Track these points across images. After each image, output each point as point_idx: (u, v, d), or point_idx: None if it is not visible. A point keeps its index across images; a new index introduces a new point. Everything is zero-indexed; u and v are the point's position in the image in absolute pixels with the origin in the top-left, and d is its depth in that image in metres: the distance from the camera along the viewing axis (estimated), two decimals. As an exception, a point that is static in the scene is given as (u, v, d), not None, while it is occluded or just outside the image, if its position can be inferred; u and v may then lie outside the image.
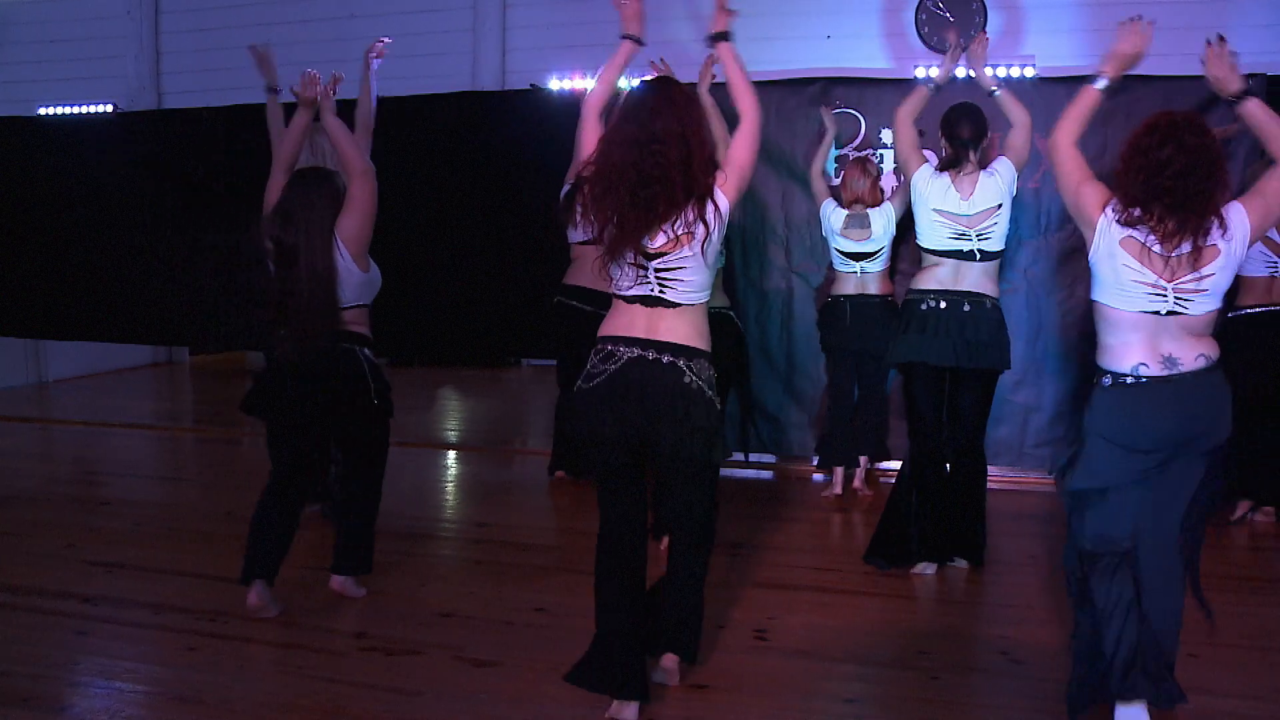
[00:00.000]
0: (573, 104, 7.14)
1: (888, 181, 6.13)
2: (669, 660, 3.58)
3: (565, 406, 6.26)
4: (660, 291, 3.24)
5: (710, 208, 3.19)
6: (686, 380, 3.23)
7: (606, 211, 3.18)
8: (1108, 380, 3.21)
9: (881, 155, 6.33)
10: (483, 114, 7.38)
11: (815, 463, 6.45)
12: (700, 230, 3.17)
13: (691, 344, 3.27)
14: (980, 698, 3.55)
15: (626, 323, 3.28)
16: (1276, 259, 5.29)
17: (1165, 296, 3.09)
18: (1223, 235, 3.06)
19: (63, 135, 8.31)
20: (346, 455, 4.43)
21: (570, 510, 5.94)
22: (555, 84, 7.52)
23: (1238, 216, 3.09)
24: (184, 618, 4.16)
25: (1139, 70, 6.11)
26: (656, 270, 3.22)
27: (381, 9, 10.13)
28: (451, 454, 7.19)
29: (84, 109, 8.80)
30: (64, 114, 8.70)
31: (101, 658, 3.82)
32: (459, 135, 7.25)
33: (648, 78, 3.46)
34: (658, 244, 3.20)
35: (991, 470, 6.48)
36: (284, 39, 10.30)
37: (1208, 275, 3.07)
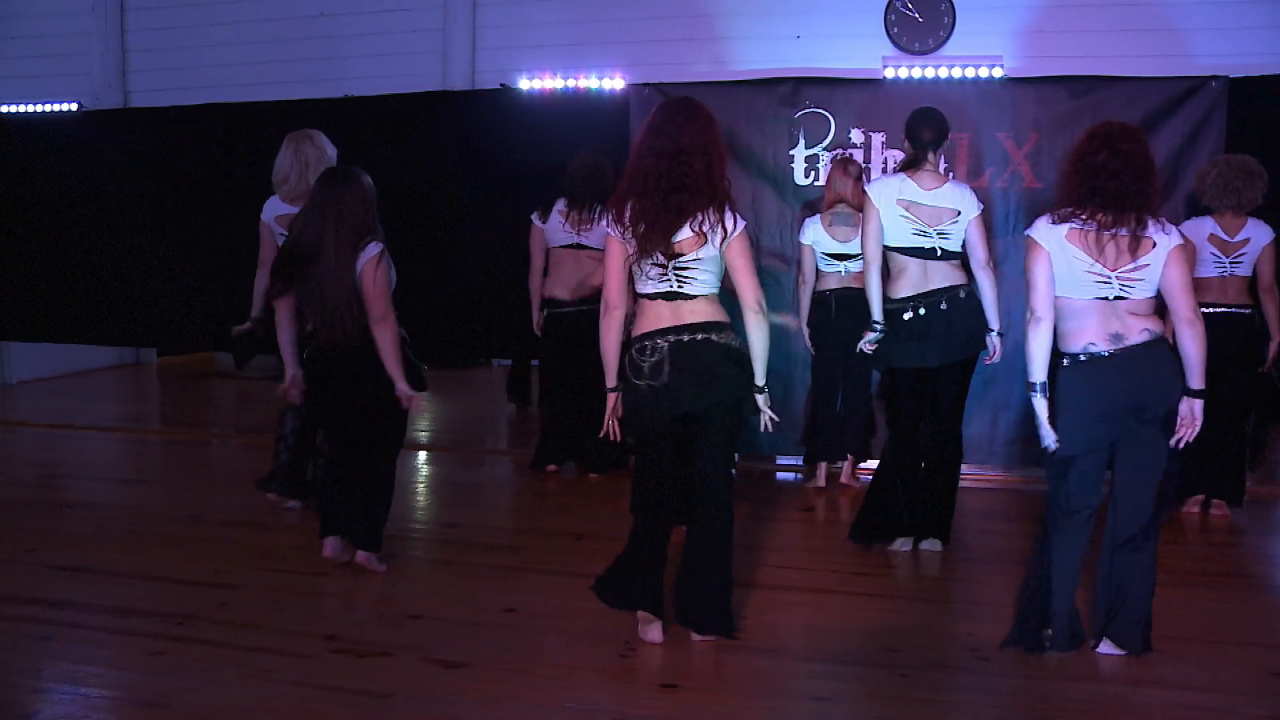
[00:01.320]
0: (542, 104, 7.18)
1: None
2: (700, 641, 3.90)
3: (561, 405, 6.36)
4: (679, 286, 3.71)
5: (730, 214, 3.66)
6: (719, 341, 3.76)
7: (640, 215, 3.62)
8: (1066, 361, 3.66)
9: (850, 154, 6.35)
10: (453, 113, 7.35)
11: (801, 460, 6.54)
12: (719, 233, 3.63)
13: (714, 319, 3.76)
14: (948, 694, 3.57)
15: (654, 318, 3.75)
16: (1225, 259, 5.35)
17: (1111, 283, 3.55)
18: (1161, 230, 3.55)
19: (26, 134, 8.22)
20: (371, 437, 4.62)
21: (540, 511, 5.93)
22: (525, 84, 7.50)
23: (1175, 237, 3.58)
24: (150, 621, 4.11)
25: (1104, 71, 6.23)
26: (675, 269, 3.68)
27: (352, 8, 10.08)
28: (422, 454, 7.16)
29: (48, 107, 8.68)
30: (27, 112, 8.58)
31: (66, 663, 3.77)
32: (429, 135, 7.22)
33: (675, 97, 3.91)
34: (680, 243, 3.63)
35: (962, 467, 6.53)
36: (253, 37, 10.26)
37: (1143, 265, 3.53)
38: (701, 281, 3.71)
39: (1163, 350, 3.61)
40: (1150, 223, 3.53)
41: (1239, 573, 4.84)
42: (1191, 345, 3.53)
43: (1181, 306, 3.54)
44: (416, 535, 5.41)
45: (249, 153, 7.46)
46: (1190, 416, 3.57)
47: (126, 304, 8.06)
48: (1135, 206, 3.51)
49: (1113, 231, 3.51)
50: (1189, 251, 3.59)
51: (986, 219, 6.10)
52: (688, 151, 3.61)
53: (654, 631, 3.86)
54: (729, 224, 3.64)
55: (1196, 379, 3.55)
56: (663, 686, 3.57)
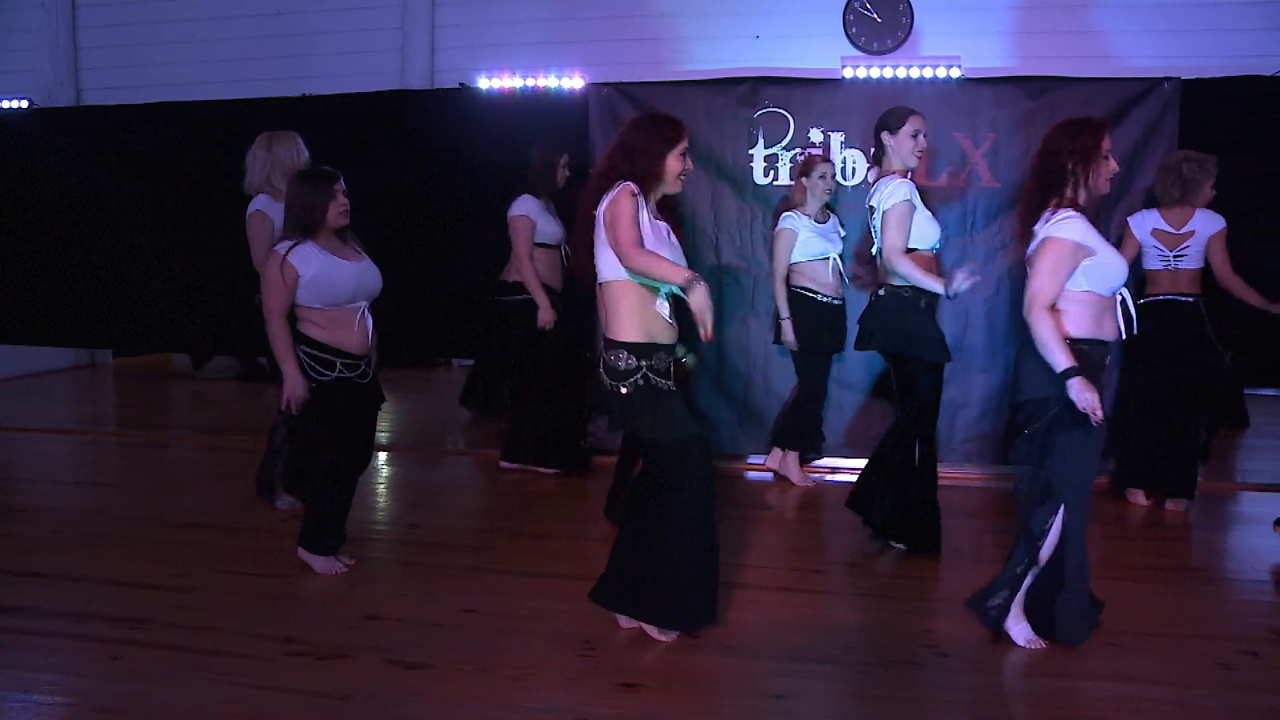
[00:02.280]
0: (502, 103, 7.17)
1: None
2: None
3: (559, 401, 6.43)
4: None
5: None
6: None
7: None
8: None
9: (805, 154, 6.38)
10: (412, 113, 7.32)
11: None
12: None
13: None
14: (907, 691, 3.59)
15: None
16: (1169, 252, 5.44)
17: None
18: (1044, 222, 3.69)
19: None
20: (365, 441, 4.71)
21: (501, 511, 5.92)
22: (485, 83, 7.48)
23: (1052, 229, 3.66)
24: (106, 626, 4.07)
25: (1060, 72, 6.31)
26: None
27: (309, 6, 10.02)
28: (382, 455, 7.12)
29: (-1, 104, 8.57)
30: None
31: (18, 670, 3.71)
32: (387, 134, 7.19)
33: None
34: None
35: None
36: (208, 35, 10.18)
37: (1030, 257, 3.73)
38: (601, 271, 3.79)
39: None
40: (1042, 216, 3.72)
41: (1189, 566, 4.90)
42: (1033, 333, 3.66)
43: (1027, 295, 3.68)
44: (377, 536, 5.38)
45: (204, 151, 7.40)
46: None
47: (81, 304, 7.97)
48: (1024, 197, 3.83)
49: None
50: (1062, 246, 3.58)
51: (946, 218, 6.21)
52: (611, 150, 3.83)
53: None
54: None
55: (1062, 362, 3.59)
56: (624, 686, 3.57)
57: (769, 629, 4.08)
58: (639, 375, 3.70)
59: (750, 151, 6.50)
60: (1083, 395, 3.52)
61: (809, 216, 5.87)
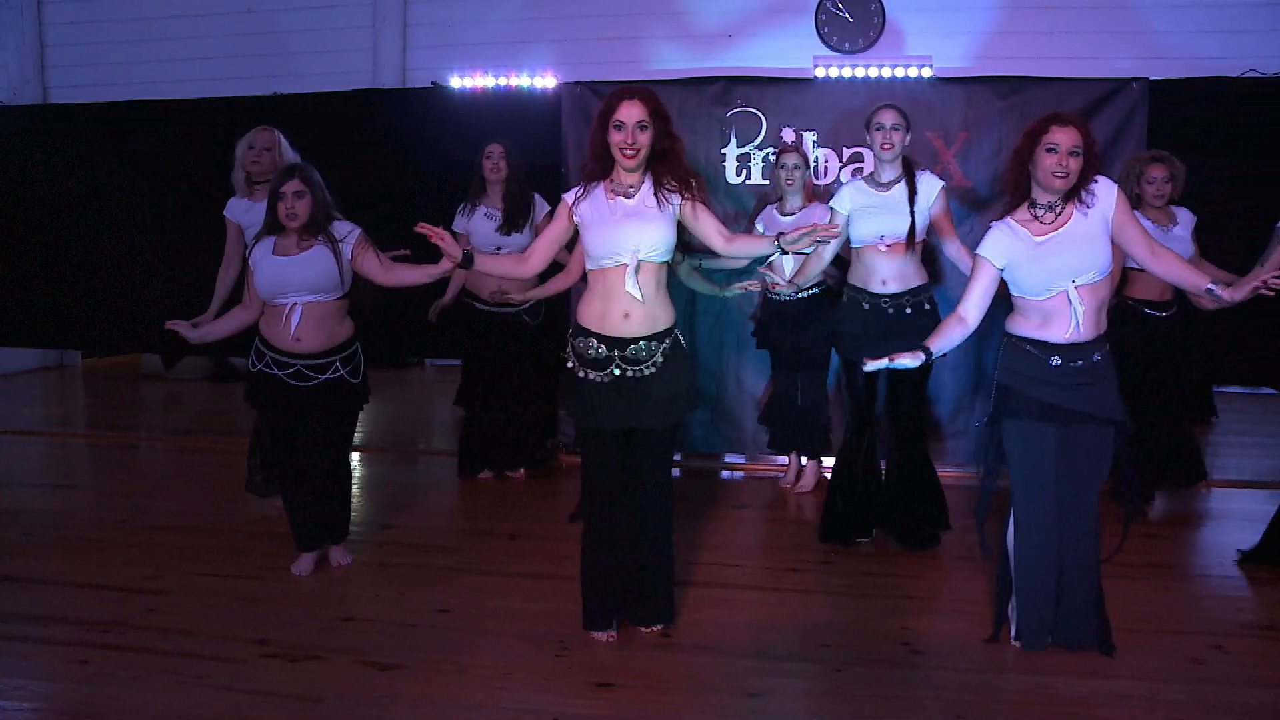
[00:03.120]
0: (474, 103, 7.14)
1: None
2: None
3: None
4: None
5: None
6: None
7: None
8: None
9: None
10: (384, 112, 7.28)
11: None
12: None
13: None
14: (882, 689, 3.60)
15: None
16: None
17: None
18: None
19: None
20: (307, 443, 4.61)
21: (474, 511, 5.90)
22: (457, 82, 7.45)
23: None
24: (76, 630, 4.03)
25: (1030, 72, 6.35)
26: None
27: (279, 4, 9.95)
28: (355, 455, 7.08)
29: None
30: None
31: (-13, 673, 3.69)
32: (359, 133, 7.15)
33: None
34: None
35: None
36: (178, 33, 10.10)
37: None
38: None
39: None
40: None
41: (1161, 563, 4.93)
42: None
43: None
44: (350, 537, 5.34)
45: (171, 150, 7.34)
46: None
47: (49, 304, 7.89)
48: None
49: None
50: (975, 259, 3.74)
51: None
52: None
53: None
54: None
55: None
56: (598, 686, 3.57)
57: (744, 628, 4.09)
58: (570, 359, 3.86)
59: (723, 151, 6.51)
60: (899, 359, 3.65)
61: (778, 211, 5.82)
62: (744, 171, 6.50)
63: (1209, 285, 3.59)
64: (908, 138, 4.83)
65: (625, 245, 3.68)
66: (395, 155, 7.10)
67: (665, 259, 3.78)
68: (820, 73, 6.87)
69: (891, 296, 4.83)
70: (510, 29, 9.45)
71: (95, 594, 4.41)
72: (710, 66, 7.77)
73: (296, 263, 4.37)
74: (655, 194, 3.77)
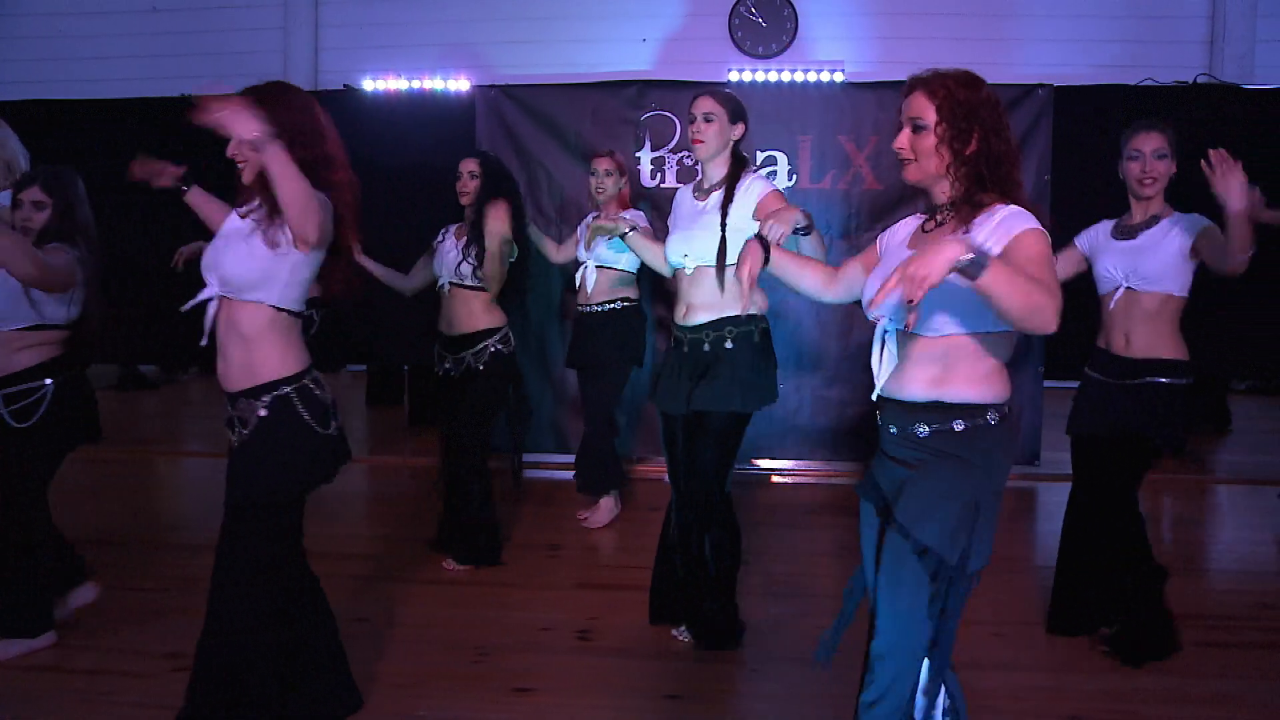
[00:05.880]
0: (388, 105, 7.07)
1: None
2: None
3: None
4: None
5: None
6: None
7: None
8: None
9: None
10: (295, 114, 7.16)
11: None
12: None
13: None
14: (798, 688, 3.63)
15: None
16: None
17: None
18: None
19: None
20: None
21: (392, 518, 5.84)
22: (370, 84, 7.37)
23: None
24: (-26, 648, 3.91)
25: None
26: None
27: (187, 3, 9.74)
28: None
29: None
30: None
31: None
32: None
33: None
34: None
35: (808, 464, 6.71)
36: (79, 31, 9.85)
37: None
38: None
39: None
40: None
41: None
42: None
43: None
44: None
45: (72, 153, 7.15)
46: None
47: None
48: None
49: None
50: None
51: (832, 220, 6.31)
52: None
53: None
54: None
55: None
56: (516, 691, 3.56)
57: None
58: None
59: (638, 154, 6.53)
60: None
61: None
62: (659, 175, 6.53)
63: None
64: (735, 130, 3.83)
65: None
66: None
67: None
68: (734, 76, 6.93)
69: (690, 329, 3.82)
70: (424, 31, 9.37)
71: (-4, 610, 4.28)
72: (625, 70, 7.79)
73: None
74: None
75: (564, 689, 3.58)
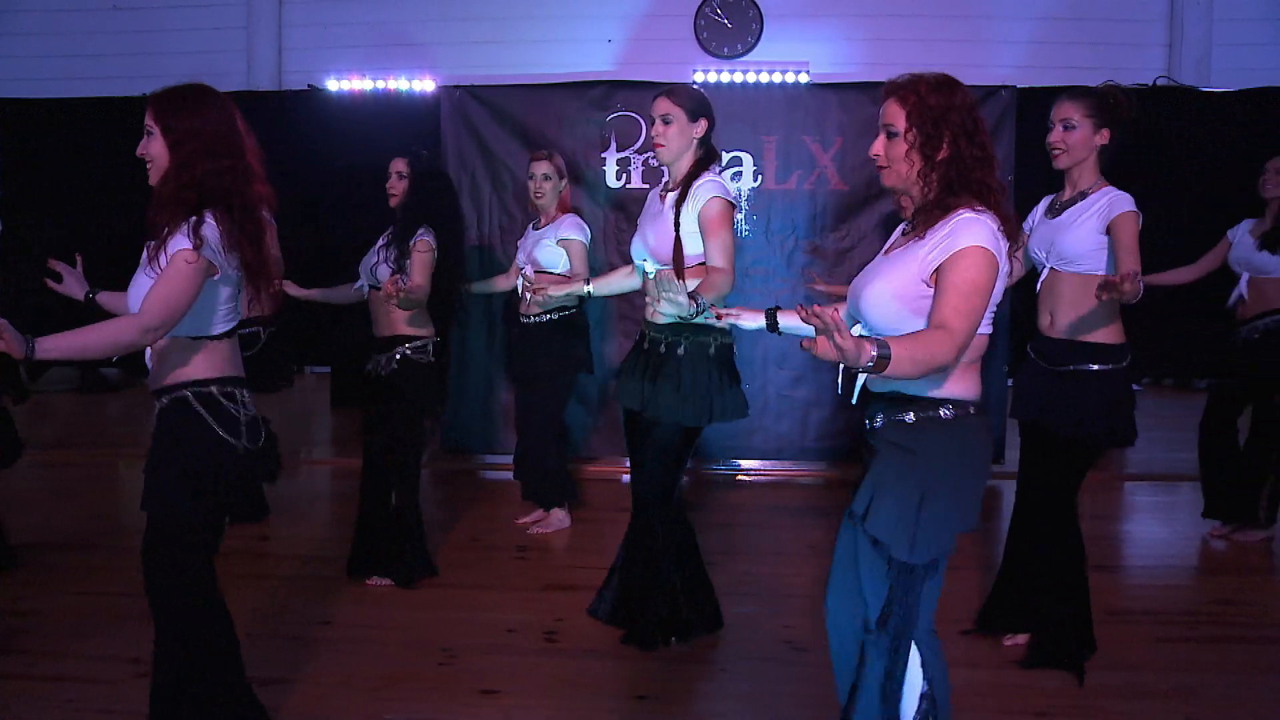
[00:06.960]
0: (353, 105, 7.04)
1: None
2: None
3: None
4: None
5: None
6: None
7: None
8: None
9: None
10: (259, 115, 7.05)
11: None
12: None
13: None
14: (767, 686, 3.65)
15: None
16: None
17: None
18: None
19: None
20: None
21: (354, 521, 5.79)
22: (334, 85, 7.33)
23: None
24: (-66, 655, 3.86)
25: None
26: None
27: (148, 2, 9.65)
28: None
29: None
30: None
31: None
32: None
33: None
34: None
35: (775, 464, 6.74)
36: (39, 29, 9.75)
37: None
38: None
39: None
40: None
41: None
42: None
43: None
44: (227, 550, 5.19)
45: (31, 153, 7.09)
46: None
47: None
48: None
49: None
50: None
51: (797, 220, 6.35)
52: None
53: None
54: None
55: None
56: (484, 693, 3.56)
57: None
58: None
59: (603, 155, 6.54)
60: None
61: (532, 225, 5.44)
62: (624, 175, 6.54)
63: None
64: (697, 128, 3.84)
65: None
66: (271, 159, 6.91)
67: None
68: (699, 77, 6.94)
69: (654, 328, 3.80)
70: (389, 31, 9.34)
71: (-44, 617, 4.23)
72: (591, 71, 7.80)
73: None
74: None
75: (531, 690, 3.58)
